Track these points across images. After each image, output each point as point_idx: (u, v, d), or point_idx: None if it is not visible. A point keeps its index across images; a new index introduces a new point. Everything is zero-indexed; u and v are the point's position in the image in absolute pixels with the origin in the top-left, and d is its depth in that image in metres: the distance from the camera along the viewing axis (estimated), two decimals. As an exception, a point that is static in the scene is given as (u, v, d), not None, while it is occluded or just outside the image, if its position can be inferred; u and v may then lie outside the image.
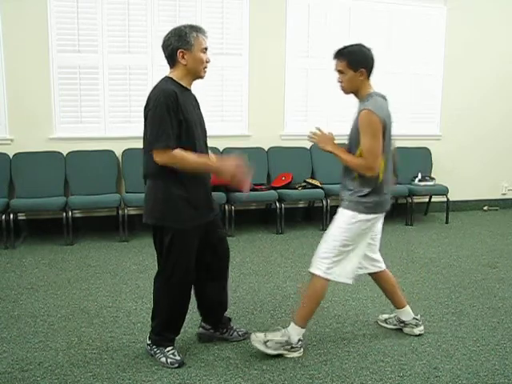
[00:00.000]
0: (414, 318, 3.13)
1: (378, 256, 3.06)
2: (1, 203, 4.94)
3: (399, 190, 6.15)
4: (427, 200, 6.62)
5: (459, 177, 6.68)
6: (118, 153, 5.54)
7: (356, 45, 2.82)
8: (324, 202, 5.71)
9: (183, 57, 2.56)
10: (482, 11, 6.58)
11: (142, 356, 2.81)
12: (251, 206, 6.02)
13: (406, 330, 3.15)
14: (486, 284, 4.05)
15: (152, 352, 2.78)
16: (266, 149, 6.02)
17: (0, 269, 4.31)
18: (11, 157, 5.28)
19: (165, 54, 2.63)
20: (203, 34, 2.60)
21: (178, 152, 2.49)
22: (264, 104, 5.97)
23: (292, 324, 2.86)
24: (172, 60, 2.61)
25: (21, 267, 4.36)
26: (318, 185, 5.80)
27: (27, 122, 5.30)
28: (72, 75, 5.43)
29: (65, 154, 5.41)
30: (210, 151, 2.78)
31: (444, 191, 6.24)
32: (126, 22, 5.50)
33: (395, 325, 3.20)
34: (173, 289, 2.68)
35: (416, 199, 6.25)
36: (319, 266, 2.82)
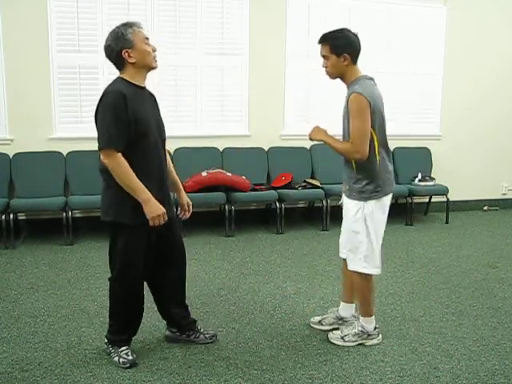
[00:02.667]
0: (353, 316, 3.16)
1: None
2: (1, 203, 4.94)
3: (399, 189, 6.16)
4: (427, 200, 6.62)
5: (459, 177, 6.68)
6: (118, 153, 5.53)
7: (341, 30, 2.79)
8: (324, 202, 5.71)
9: (129, 55, 2.53)
10: (481, 11, 6.58)
11: (141, 356, 2.81)
12: (251, 205, 6.02)
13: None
14: (486, 284, 4.05)
15: (108, 351, 2.79)
16: (266, 149, 6.02)
17: (0, 269, 4.31)
18: (11, 157, 5.28)
19: (111, 60, 2.59)
20: (138, 27, 2.57)
21: (120, 159, 2.47)
22: (264, 104, 5.97)
23: (360, 317, 2.97)
24: (120, 63, 2.58)
25: (21, 267, 4.36)
26: (318, 185, 5.80)
27: (27, 122, 5.30)
28: (72, 75, 5.43)
29: (65, 154, 5.41)
30: (168, 151, 2.80)
31: (444, 191, 6.24)
32: (125, 22, 5.49)
33: (331, 324, 3.17)
34: (127, 289, 2.70)
35: (416, 199, 6.25)
36: (354, 261, 2.89)
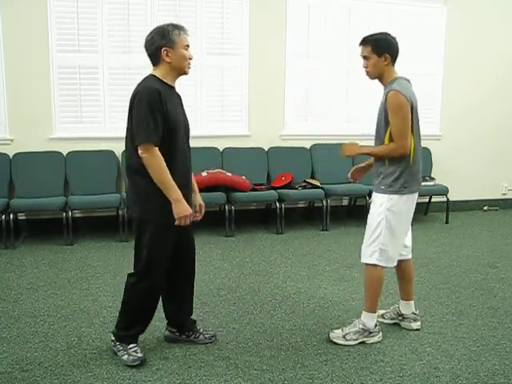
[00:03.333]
0: (413, 313, 3.19)
1: (408, 242, 3.12)
2: (1, 203, 4.94)
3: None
4: (427, 200, 6.62)
5: (459, 177, 6.68)
6: (118, 153, 5.53)
7: (381, 33, 2.93)
8: (324, 202, 5.71)
9: (167, 55, 2.58)
10: (481, 11, 6.58)
11: (142, 356, 2.81)
12: (251, 205, 6.02)
13: (404, 323, 3.20)
14: (486, 284, 4.05)
15: (115, 349, 2.78)
16: (266, 149, 6.02)
17: (0, 269, 4.31)
18: (11, 157, 5.28)
19: (148, 52, 2.64)
20: (185, 32, 2.64)
21: (158, 153, 2.50)
22: (264, 104, 5.97)
23: (363, 312, 2.99)
24: (156, 58, 2.62)
25: (21, 267, 4.36)
26: (318, 185, 5.80)
27: (27, 122, 5.30)
28: (72, 75, 5.43)
29: (65, 154, 5.41)
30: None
31: (444, 191, 6.24)
32: (126, 21, 5.50)
33: (393, 318, 3.25)
34: (147, 286, 2.68)
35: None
36: (367, 254, 2.93)
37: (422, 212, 6.62)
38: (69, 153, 5.42)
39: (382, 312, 3.31)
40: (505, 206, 7.08)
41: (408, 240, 3.10)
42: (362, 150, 2.97)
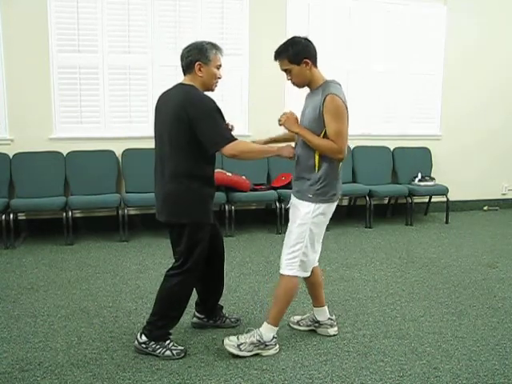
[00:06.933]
0: (329, 319, 3.11)
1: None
2: (1, 203, 4.94)
3: (399, 189, 6.16)
4: (427, 200, 6.61)
5: (459, 177, 6.67)
6: (118, 153, 5.54)
7: (290, 39, 2.80)
8: (324, 202, 5.70)
9: (200, 69, 2.77)
10: (482, 11, 6.58)
11: (141, 356, 2.81)
12: (251, 206, 6.02)
13: (320, 330, 3.11)
14: (486, 284, 4.05)
15: (150, 349, 2.79)
16: (266, 149, 6.01)
17: (0, 269, 4.31)
18: (11, 157, 5.28)
19: (182, 63, 2.80)
20: (221, 53, 2.88)
21: (244, 142, 2.81)
22: (264, 104, 5.96)
23: (265, 323, 2.86)
24: (189, 70, 2.79)
25: (21, 267, 4.36)
26: (318, 185, 5.79)
27: (27, 122, 5.31)
28: (72, 75, 5.43)
29: (65, 154, 5.41)
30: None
31: (444, 191, 6.24)
32: (126, 21, 5.49)
33: (309, 325, 3.15)
34: (191, 282, 2.85)
35: (416, 199, 6.25)
36: (288, 265, 2.81)
37: (422, 212, 6.62)
38: (69, 153, 5.42)
39: (297, 318, 3.22)
40: (505, 206, 7.07)
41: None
42: (300, 129, 2.78)
